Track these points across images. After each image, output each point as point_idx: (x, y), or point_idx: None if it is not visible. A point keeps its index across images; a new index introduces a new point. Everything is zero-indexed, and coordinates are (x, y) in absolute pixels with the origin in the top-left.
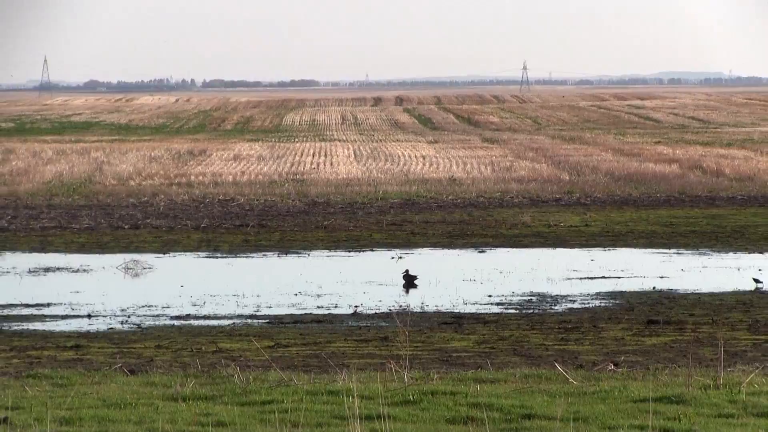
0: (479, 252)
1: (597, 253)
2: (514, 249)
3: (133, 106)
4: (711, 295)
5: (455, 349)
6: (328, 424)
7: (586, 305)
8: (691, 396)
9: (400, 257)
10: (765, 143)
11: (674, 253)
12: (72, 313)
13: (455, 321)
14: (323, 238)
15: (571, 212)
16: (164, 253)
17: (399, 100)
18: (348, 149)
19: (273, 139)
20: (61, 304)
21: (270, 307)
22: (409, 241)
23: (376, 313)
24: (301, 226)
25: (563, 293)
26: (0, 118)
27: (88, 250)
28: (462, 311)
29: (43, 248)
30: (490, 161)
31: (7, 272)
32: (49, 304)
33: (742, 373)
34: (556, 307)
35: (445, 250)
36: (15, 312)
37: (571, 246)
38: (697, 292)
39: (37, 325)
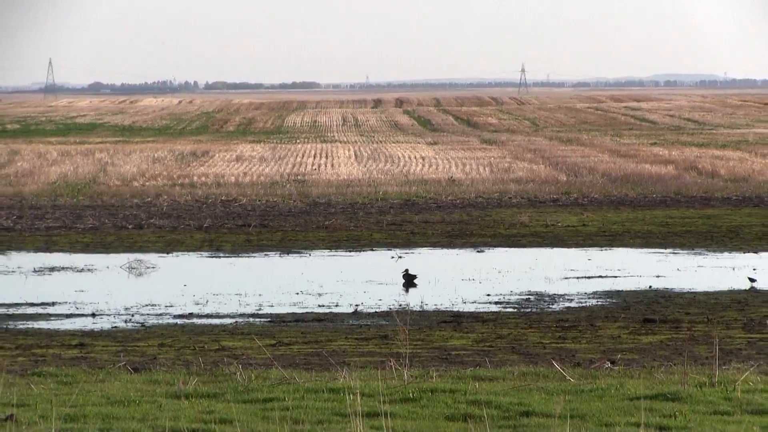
0: (478, 252)
1: (594, 252)
2: (513, 249)
3: (136, 107)
4: (706, 294)
5: (454, 348)
6: (329, 421)
7: (584, 304)
8: (686, 394)
9: (400, 257)
10: (760, 144)
11: (670, 252)
12: (76, 312)
13: (454, 320)
14: (324, 238)
15: (568, 212)
16: (167, 253)
17: (399, 102)
18: (349, 150)
19: (275, 141)
20: (65, 303)
21: (272, 306)
22: (408, 241)
23: (376, 311)
24: (302, 226)
25: (561, 292)
26: (5, 119)
27: (93, 249)
28: (461, 310)
29: (48, 248)
30: (489, 162)
31: (13, 272)
32: (53, 303)
33: (737, 371)
34: (553, 306)
35: (445, 250)
36: (20, 311)
37: (569, 246)
38: (692, 291)
39: (42, 324)
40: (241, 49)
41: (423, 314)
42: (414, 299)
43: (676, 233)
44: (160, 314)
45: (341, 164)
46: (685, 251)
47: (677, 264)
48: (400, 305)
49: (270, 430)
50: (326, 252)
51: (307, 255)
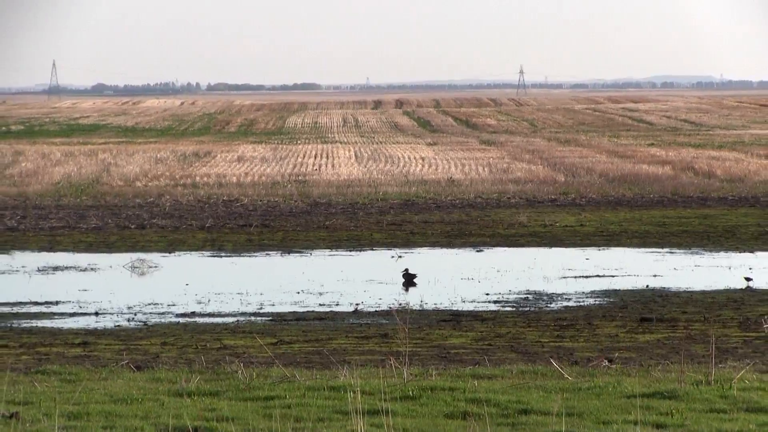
0: (477, 251)
1: (592, 252)
2: (511, 248)
3: (139, 108)
4: (703, 293)
5: (453, 346)
6: (330, 419)
7: (581, 303)
8: (683, 392)
9: (400, 256)
10: (755, 145)
11: (667, 252)
12: (80, 311)
13: (453, 318)
14: (325, 238)
15: (566, 212)
16: (170, 253)
17: (399, 103)
18: (349, 151)
19: (276, 141)
20: (69, 302)
21: (273, 305)
22: (408, 241)
23: (376, 310)
24: (303, 226)
25: (559, 291)
26: (10, 120)
27: (96, 249)
28: (460, 309)
29: (51, 247)
30: (488, 163)
31: (17, 271)
32: (57, 302)
33: (733, 370)
34: (551, 305)
35: (444, 250)
36: (25, 310)
37: (567, 245)
38: (689, 290)
39: (46, 323)
40: (243, 51)
41: (423, 313)
42: (414, 298)
43: (672, 233)
44: (163, 313)
45: (342, 165)
46: (682, 251)
47: (674, 263)
48: (400, 304)
49: (271, 428)
50: (327, 252)
51: (308, 254)
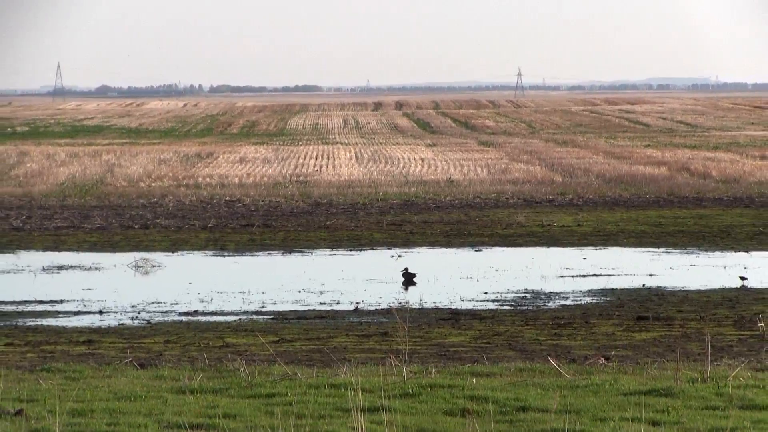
0: (476, 251)
1: (589, 251)
2: (509, 248)
3: (143, 110)
4: (698, 292)
5: (452, 344)
6: (331, 416)
7: (579, 302)
8: (679, 389)
9: (400, 256)
10: (750, 146)
11: (663, 251)
12: (84, 310)
13: (452, 317)
14: (325, 238)
15: (564, 213)
16: (173, 252)
17: (399, 105)
18: (350, 152)
19: (277, 143)
20: (73, 300)
21: (274, 303)
22: (408, 241)
23: (376, 309)
24: (304, 226)
25: (556, 290)
26: (15, 122)
27: (100, 249)
28: (459, 308)
29: (56, 247)
30: (486, 164)
31: (22, 270)
32: (62, 301)
33: (729, 367)
34: (549, 304)
35: (443, 249)
36: (29, 308)
37: (564, 245)
38: (685, 289)
39: (51, 321)
40: (244, 52)
41: (422, 312)
42: (413, 297)
43: (668, 233)
44: (166, 312)
45: (342, 165)
46: (678, 250)
47: (670, 263)
48: (400, 303)
49: (273, 425)
50: (328, 251)
51: (309, 254)
